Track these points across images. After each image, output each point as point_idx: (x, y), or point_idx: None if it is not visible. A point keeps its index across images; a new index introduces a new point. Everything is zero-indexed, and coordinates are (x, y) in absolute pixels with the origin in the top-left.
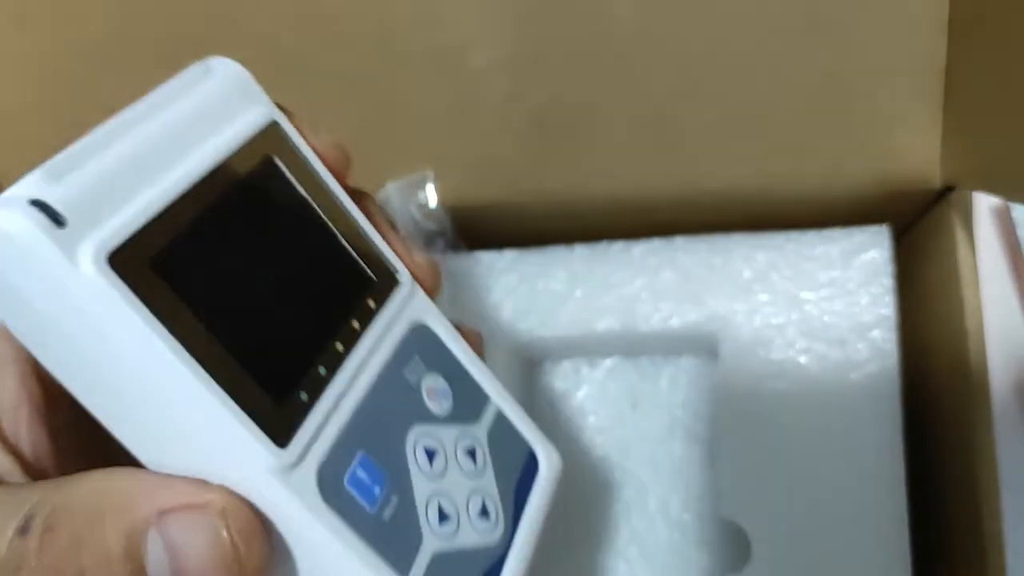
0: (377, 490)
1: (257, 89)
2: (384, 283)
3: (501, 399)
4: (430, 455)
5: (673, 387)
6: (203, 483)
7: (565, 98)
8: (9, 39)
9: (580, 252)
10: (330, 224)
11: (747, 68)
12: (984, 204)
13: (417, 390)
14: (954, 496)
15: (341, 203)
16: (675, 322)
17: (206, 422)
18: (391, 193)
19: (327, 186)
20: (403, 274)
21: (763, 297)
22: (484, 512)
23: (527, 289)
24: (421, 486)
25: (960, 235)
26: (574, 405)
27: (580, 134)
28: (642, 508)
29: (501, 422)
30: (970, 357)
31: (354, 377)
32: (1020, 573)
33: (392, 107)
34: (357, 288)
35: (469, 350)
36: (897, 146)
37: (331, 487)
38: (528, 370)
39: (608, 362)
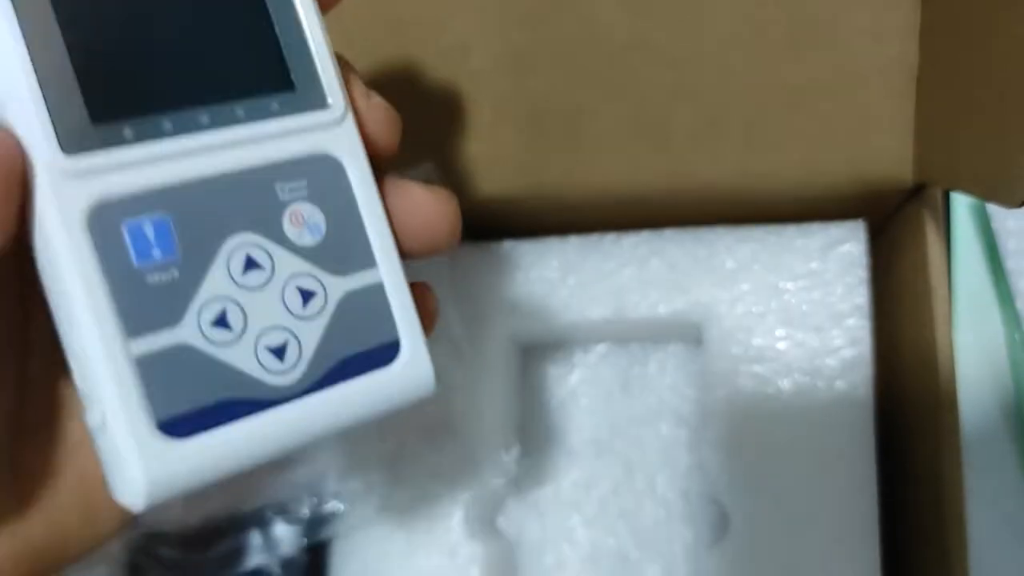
0: (156, 252)
1: None
2: (304, 98)
3: (393, 276)
4: (250, 264)
5: (661, 372)
6: None
7: (560, 98)
8: None
9: (573, 243)
10: (272, 16)
11: (731, 71)
12: (962, 201)
13: (279, 206)
14: (922, 470)
15: (301, 10)
16: (662, 310)
17: (18, 98)
18: None
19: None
20: (336, 106)
21: (745, 286)
22: (280, 352)
23: (522, 278)
24: (216, 284)
25: (931, 230)
26: (567, 389)
27: (574, 132)
28: (630, 486)
29: (374, 294)
30: (937, 340)
31: (207, 153)
32: (984, 530)
33: (396, 104)
34: (266, 83)
35: (382, 214)
36: (872, 145)
37: (103, 220)
38: (523, 355)
39: (599, 348)
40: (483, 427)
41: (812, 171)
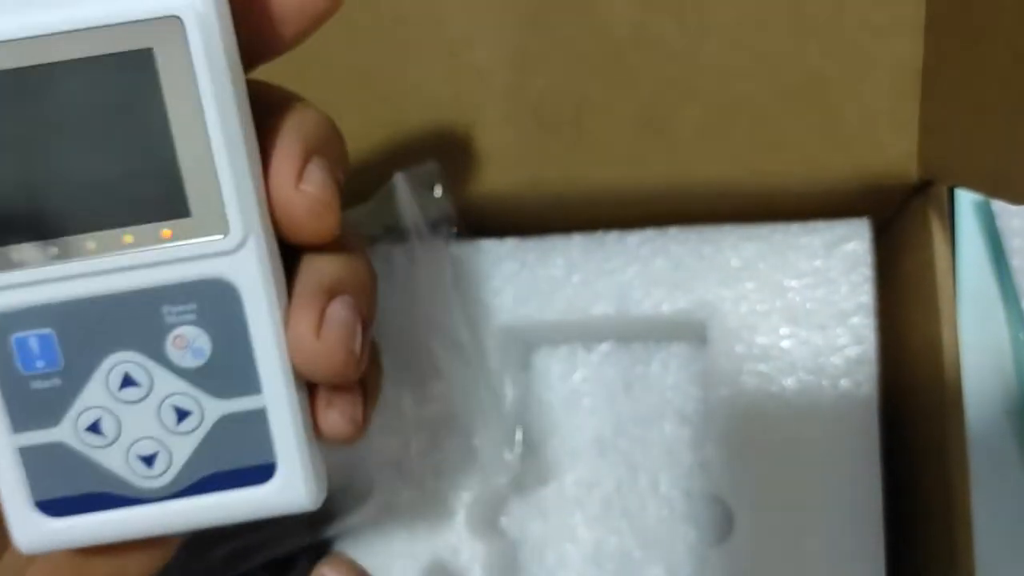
0: (40, 363)
1: None
2: (201, 224)
3: (278, 402)
4: (127, 381)
5: (664, 371)
6: None
7: (564, 94)
8: None
9: (577, 240)
10: (175, 141)
11: (735, 68)
12: (967, 198)
13: (164, 328)
14: (927, 469)
15: (213, 132)
16: (666, 307)
17: None
18: (398, 183)
19: (206, 108)
20: (236, 232)
21: (749, 285)
22: (149, 460)
23: (527, 275)
24: (94, 395)
25: (936, 227)
26: (570, 387)
27: (578, 129)
28: (633, 485)
29: (253, 418)
30: (942, 338)
31: (93, 276)
32: (990, 531)
33: (400, 101)
34: (160, 210)
35: (276, 340)
36: (877, 143)
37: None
38: (527, 353)
39: (603, 347)
40: (486, 425)
41: (817, 168)
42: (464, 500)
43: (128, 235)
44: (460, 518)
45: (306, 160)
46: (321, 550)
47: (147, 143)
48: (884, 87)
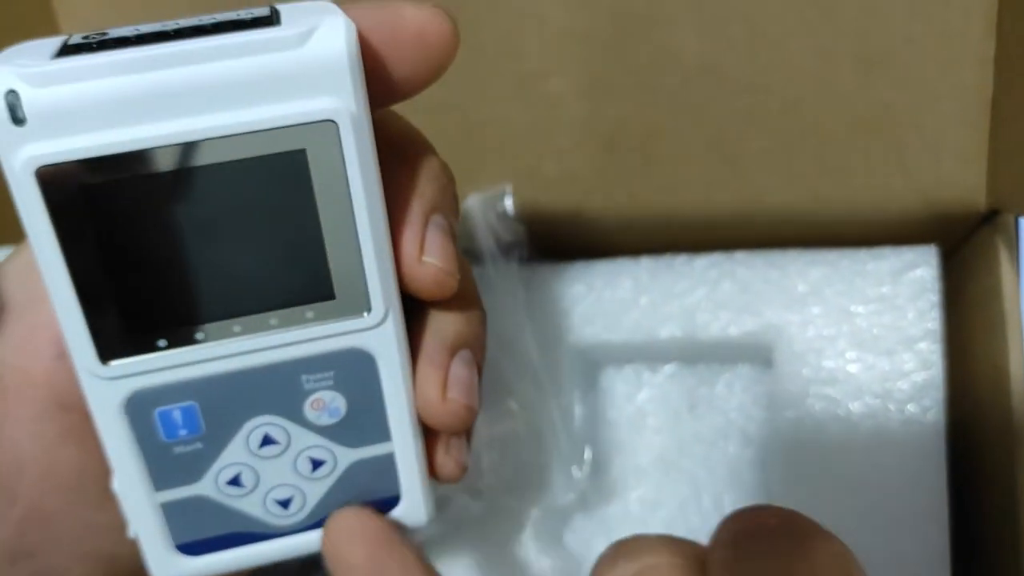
0: (183, 432)
1: (346, 77)
2: (344, 306)
3: (404, 445)
4: (267, 440)
5: (729, 393)
6: None
7: (634, 121)
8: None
9: (645, 263)
10: (323, 232)
11: (804, 97)
12: None
13: (303, 394)
14: (994, 496)
15: (360, 223)
16: (733, 330)
17: (61, 314)
18: (472, 204)
19: (354, 203)
20: (377, 312)
21: (816, 309)
22: (285, 503)
23: (595, 297)
24: (234, 454)
25: (1004, 256)
26: (635, 407)
27: (647, 154)
28: (697, 505)
29: (382, 461)
30: (1010, 366)
31: (240, 356)
32: None
33: (478, 127)
34: (305, 293)
35: (406, 395)
36: (944, 172)
37: (137, 408)
38: (593, 373)
39: (668, 368)
40: (554, 443)
41: (884, 196)
42: (532, 516)
43: (274, 318)
44: (528, 534)
45: (426, 223)
46: None
47: (296, 235)
48: (951, 117)
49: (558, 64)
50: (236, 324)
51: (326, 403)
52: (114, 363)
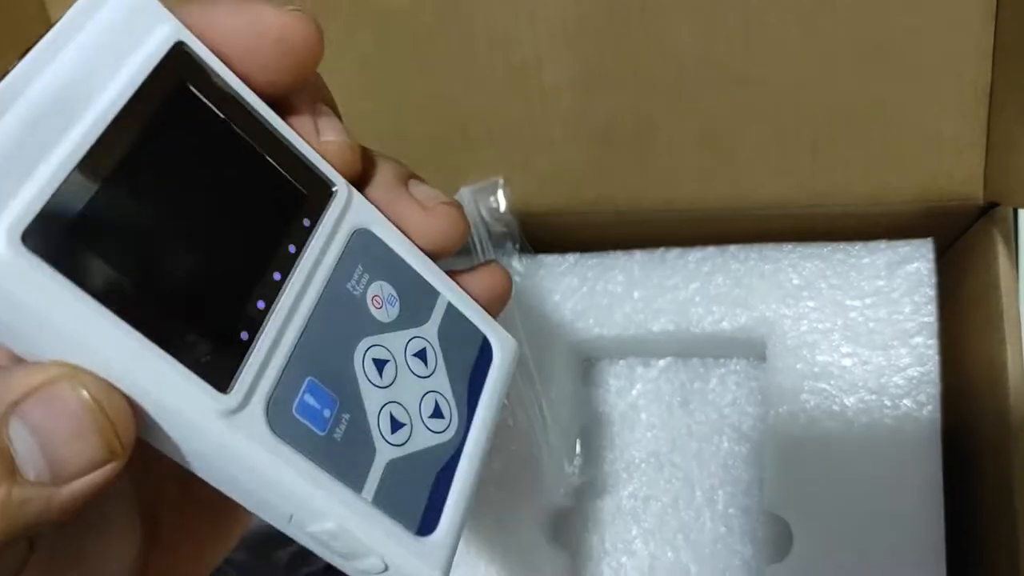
0: (327, 413)
1: (156, 7)
2: (316, 196)
3: (451, 292)
4: (379, 366)
5: (722, 388)
6: (53, 363)
7: (627, 114)
8: None
9: (639, 257)
10: (253, 145)
11: (799, 90)
12: None
13: (362, 301)
14: (989, 489)
15: (262, 117)
16: (726, 325)
17: (148, 380)
18: (464, 197)
19: (245, 101)
20: (337, 181)
21: (810, 303)
22: (437, 412)
23: (587, 291)
24: (372, 399)
25: (1001, 249)
26: (628, 402)
27: (641, 148)
28: (689, 500)
29: (451, 316)
30: (1007, 362)
31: (296, 303)
32: None
33: (471, 119)
34: (288, 209)
35: (413, 247)
36: (941, 164)
37: (280, 420)
38: (586, 368)
39: (661, 363)
40: (546, 438)
41: (880, 189)
42: (523, 511)
43: (289, 245)
44: (519, 528)
45: (315, 113)
46: None
47: (245, 165)
48: (949, 110)
49: (551, 56)
50: (273, 272)
51: (381, 296)
52: (234, 385)
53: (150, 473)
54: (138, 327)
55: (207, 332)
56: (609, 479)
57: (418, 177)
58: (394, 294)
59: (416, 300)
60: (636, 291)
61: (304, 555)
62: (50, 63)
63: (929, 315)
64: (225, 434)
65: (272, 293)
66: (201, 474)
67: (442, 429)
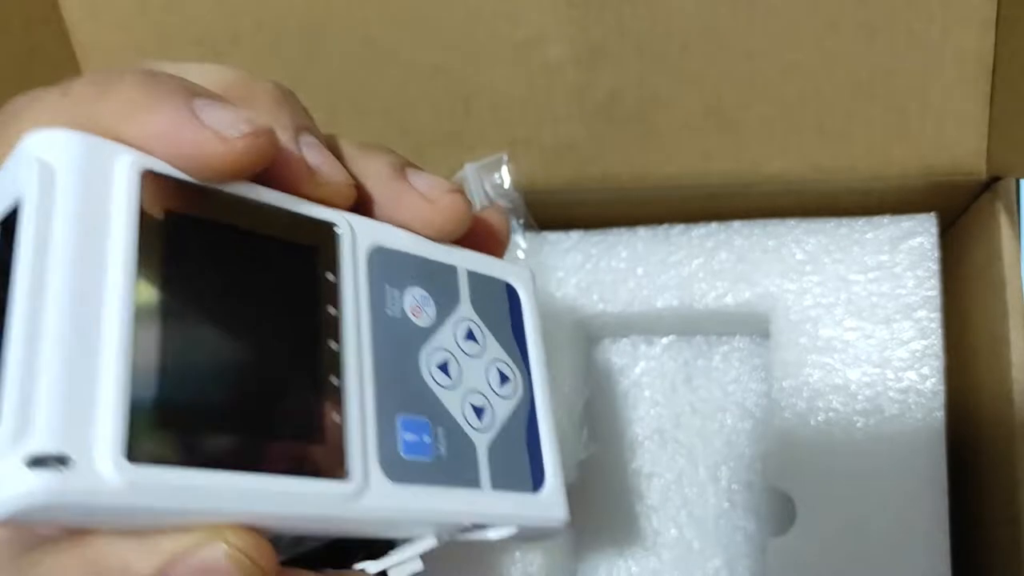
0: (426, 439)
1: (100, 143)
2: (327, 245)
3: (464, 259)
4: (444, 368)
5: (726, 365)
6: (186, 531)
7: (631, 89)
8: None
9: (642, 233)
10: (250, 229)
11: (802, 63)
12: None
13: (404, 318)
14: (993, 463)
15: (243, 197)
16: (729, 300)
17: (279, 507)
18: (468, 173)
19: (225, 193)
20: (335, 218)
21: (814, 278)
22: (503, 379)
23: (591, 267)
24: (452, 401)
25: (1004, 222)
26: (631, 379)
27: (645, 123)
28: (693, 476)
29: (475, 281)
30: (1010, 334)
31: (358, 359)
32: None
33: (474, 95)
34: (309, 273)
35: (418, 238)
36: (944, 138)
37: (396, 469)
38: (590, 345)
39: (665, 340)
40: None
41: (883, 163)
42: None
43: (329, 308)
44: None
45: (299, 146)
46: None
47: (242, 258)
48: (952, 83)
49: (555, 31)
50: (328, 343)
51: (417, 303)
52: (348, 467)
53: None
54: (249, 469)
55: (303, 435)
56: (613, 456)
57: (413, 165)
58: (425, 294)
59: (442, 286)
60: (640, 267)
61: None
62: (44, 282)
63: (932, 289)
64: (364, 510)
65: (336, 362)
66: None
67: (512, 392)
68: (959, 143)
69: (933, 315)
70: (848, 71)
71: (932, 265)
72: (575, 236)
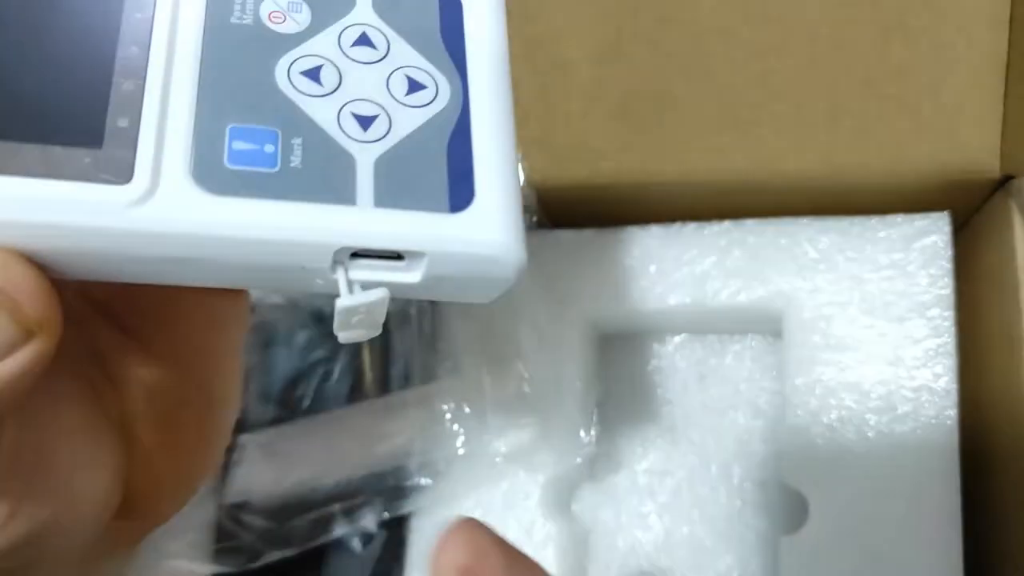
0: (269, 148)
1: None
2: None
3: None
4: (313, 75)
5: (738, 363)
6: None
7: (646, 87)
8: None
9: (655, 231)
10: None
11: (817, 61)
12: None
13: (258, 26)
14: (1005, 461)
15: None
16: (742, 298)
17: (46, 218)
18: None
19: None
20: None
21: (827, 276)
22: (414, 86)
23: (604, 265)
24: (321, 109)
25: (1017, 221)
26: (643, 377)
27: (659, 121)
28: (705, 475)
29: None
30: (1023, 332)
31: (168, 64)
32: None
33: None
34: None
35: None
36: (958, 137)
37: (214, 178)
38: (602, 343)
39: (677, 339)
40: (562, 410)
41: (897, 162)
42: (539, 481)
43: (136, 12)
44: (534, 499)
45: None
46: (394, 525)
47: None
48: (966, 81)
49: (568, 29)
50: (132, 46)
51: (279, 8)
52: (135, 172)
53: (114, 381)
54: (6, 172)
55: (80, 141)
56: (624, 453)
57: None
58: (295, 1)
59: None
60: (653, 265)
61: (324, 522)
62: None
63: (946, 287)
64: (153, 220)
65: (135, 69)
66: (161, 281)
67: (429, 100)
68: (972, 142)
69: (946, 313)
70: (862, 70)
71: (945, 263)
72: (588, 234)
